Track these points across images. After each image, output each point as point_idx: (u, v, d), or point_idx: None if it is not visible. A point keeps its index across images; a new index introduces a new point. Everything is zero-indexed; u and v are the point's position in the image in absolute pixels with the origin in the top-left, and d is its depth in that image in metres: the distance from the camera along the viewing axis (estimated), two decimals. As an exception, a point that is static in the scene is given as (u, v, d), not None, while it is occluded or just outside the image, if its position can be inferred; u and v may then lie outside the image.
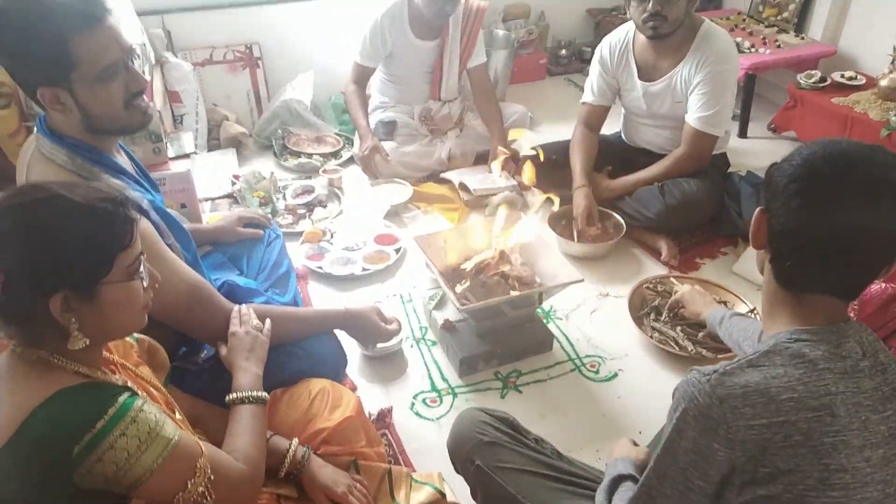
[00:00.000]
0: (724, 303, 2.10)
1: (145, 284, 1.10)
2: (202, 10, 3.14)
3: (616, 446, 1.33)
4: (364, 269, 2.37)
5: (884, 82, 2.76)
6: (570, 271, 1.94)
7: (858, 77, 2.97)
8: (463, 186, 2.76)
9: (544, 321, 2.12)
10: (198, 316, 1.45)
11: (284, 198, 2.76)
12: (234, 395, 1.34)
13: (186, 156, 2.49)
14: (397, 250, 2.46)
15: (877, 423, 0.88)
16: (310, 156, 3.06)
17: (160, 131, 2.38)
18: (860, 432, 0.87)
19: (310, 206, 2.72)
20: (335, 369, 1.70)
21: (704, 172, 2.44)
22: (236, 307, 1.51)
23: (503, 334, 2.00)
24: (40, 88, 1.30)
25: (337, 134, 3.23)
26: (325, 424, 1.47)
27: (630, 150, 2.68)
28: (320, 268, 2.36)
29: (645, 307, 2.16)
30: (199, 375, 1.58)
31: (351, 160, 3.07)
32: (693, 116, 2.34)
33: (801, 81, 2.98)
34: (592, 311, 2.22)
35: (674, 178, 2.40)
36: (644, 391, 1.92)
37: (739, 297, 2.17)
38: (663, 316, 2.10)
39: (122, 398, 1.01)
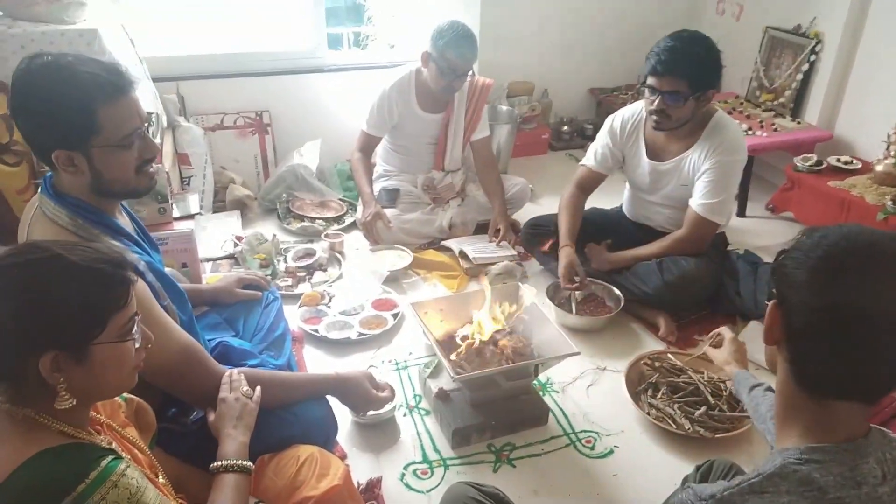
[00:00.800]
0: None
1: (138, 345, 1.11)
2: (216, 78, 3.26)
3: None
4: (360, 335, 2.36)
5: (879, 167, 2.81)
6: (567, 343, 1.93)
7: (854, 162, 3.03)
8: (463, 255, 2.79)
9: (540, 393, 2.09)
10: (188, 379, 1.44)
11: (285, 260, 2.78)
12: (219, 463, 1.32)
13: (191, 216, 2.52)
14: (395, 315, 2.46)
15: None
16: (313, 220, 3.10)
17: (167, 192, 2.43)
18: None
19: (310, 270, 2.74)
20: (325, 436, 1.67)
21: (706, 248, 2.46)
22: (227, 372, 1.50)
23: (498, 405, 1.97)
24: (56, 151, 1.34)
25: (341, 199, 3.28)
26: (312, 493, 1.44)
27: (631, 225, 2.71)
28: (316, 331, 2.35)
29: (642, 383, 2.14)
30: (186, 437, 1.56)
31: (353, 225, 3.11)
32: (697, 202, 2.38)
33: (798, 164, 3.04)
34: (589, 385, 2.20)
35: (672, 257, 2.42)
36: (640, 469, 1.87)
37: (738, 376, 2.14)
38: (660, 393, 2.07)
39: (106, 461, 0.99)
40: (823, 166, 3.01)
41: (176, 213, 2.50)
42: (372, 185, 2.99)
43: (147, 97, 2.72)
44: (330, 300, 2.54)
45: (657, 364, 2.17)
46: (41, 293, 0.98)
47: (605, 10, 3.95)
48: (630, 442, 1.97)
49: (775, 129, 3.28)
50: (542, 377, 2.19)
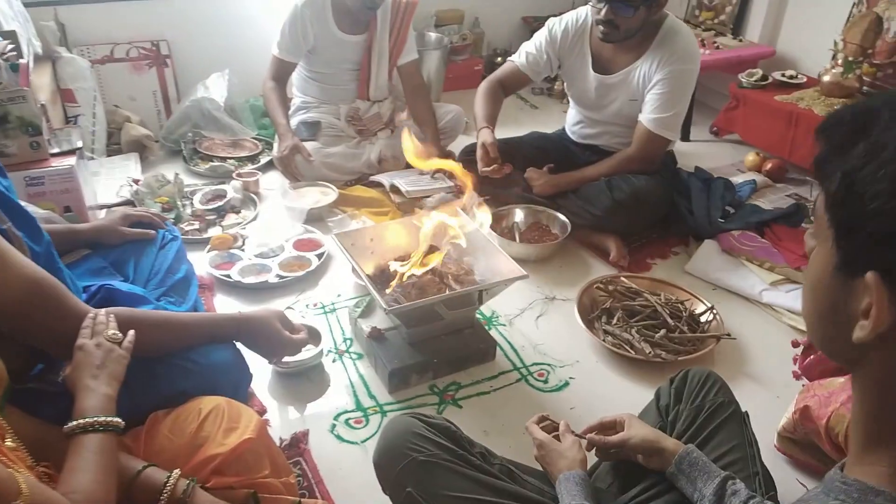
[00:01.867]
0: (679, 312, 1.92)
1: None
2: (102, 2, 2.83)
3: (553, 453, 1.09)
4: (280, 277, 2.07)
5: (826, 78, 2.69)
6: (513, 267, 1.71)
7: (799, 76, 2.90)
8: (395, 189, 2.51)
9: (486, 328, 1.87)
10: (38, 321, 1.14)
11: (192, 204, 2.45)
12: (75, 422, 1.03)
13: (73, 151, 2.15)
14: (319, 256, 2.18)
15: None
16: (223, 160, 2.76)
17: (39, 123, 2.05)
18: None
19: (220, 212, 2.42)
20: (234, 385, 1.41)
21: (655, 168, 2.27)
22: (91, 312, 1.21)
23: (439, 343, 1.75)
24: None
25: (255, 138, 2.94)
26: (218, 450, 1.19)
27: (576, 147, 2.50)
28: (228, 276, 2.06)
29: (595, 310, 1.95)
30: (57, 398, 1.25)
31: (270, 164, 2.78)
32: (648, 117, 2.18)
33: (742, 80, 2.89)
34: (538, 316, 1.99)
35: (622, 175, 2.22)
36: (599, 399, 1.69)
37: (696, 297, 1.99)
38: (615, 318, 1.89)
39: None
40: (769, 81, 2.87)
41: (55, 150, 2.14)
42: (288, 117, 2.67)
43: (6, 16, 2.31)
44: (244, 243, 2.23)
45: (610, 288, 1.99)
46: None
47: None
48: (586, 372, 1.78)
49: (717, 48, 3.12)
50: (486, 311, 1.97)
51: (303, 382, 1.72)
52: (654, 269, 2.21)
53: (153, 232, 1.79)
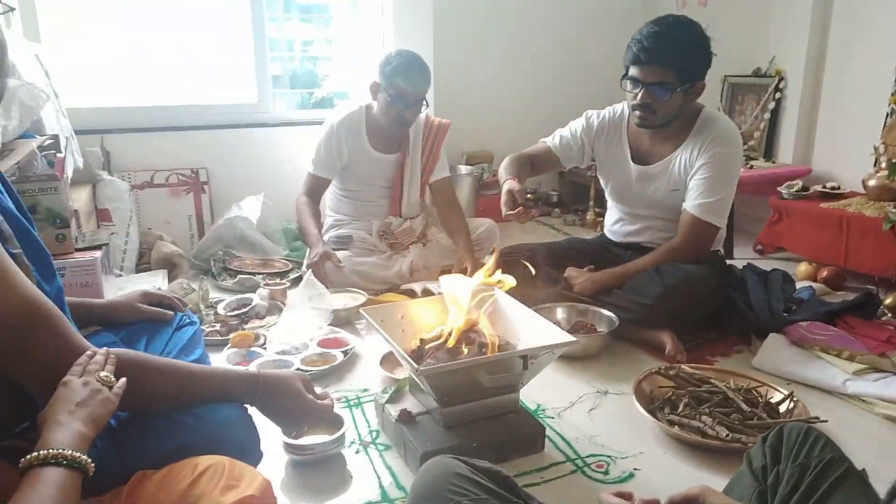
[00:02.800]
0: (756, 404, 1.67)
1: None
2: (145, 132, 2.97)
3: None
4: (302, 371, 1.89)
5: (871, 182, 2.61)
6: (561, 333, 1.52)
7: (840, 188, 2.83)
8: (427, 292, 2.39)
9: (532, 415, 1.63)
10: (34, 351, 1.00)
11: (216, 311, 2.34)
12: (35, 453, 0.86)
13: (98, 247, 2.10)
14: (345, 353, 2.00)
15: None
16: (252, 274, 2.69)
17: (67, 216, 2.03)
18: None
19: (244, 318, 2.30)
20: (240, 445, 1.19)
21: (702, 261, 2.12)
22: (91, 350, 1.06)
23: (479, 427, 1.51)
24: None
25: (286, 258, 2.90)
26: (213, 510, 0.97)
27: (615, 247, 2.39)
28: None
29: (656, 400, 1.70)
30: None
31: (299, 280, 2.70)
32: (693, 203, 2.09)
33: (783, 192, 2.83)
34: (591, 409, 1.74)
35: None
36: (672, 488, 1.38)
37: (772, 386, 1.74)
38: (681, 406, 1.64)
39: None
40: (810, 192, 2.80)
41: (80, 246, 2.10)
42: (320, 227, 2.64)
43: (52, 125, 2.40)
44: (265, 341, 2.08)
45: (671, 373, 1.76)
46: None
47: (562, 79, 3.90)
48: (653, 462, 1.51)
49: (751, 168, 3.10)
50: (531, 403, 1.74)
51: (321, 474, 1.47)
52: (717, 366, 1.97)
53: (171, 313, 1.66)
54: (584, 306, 2.17)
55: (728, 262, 2.41)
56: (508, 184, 2.16)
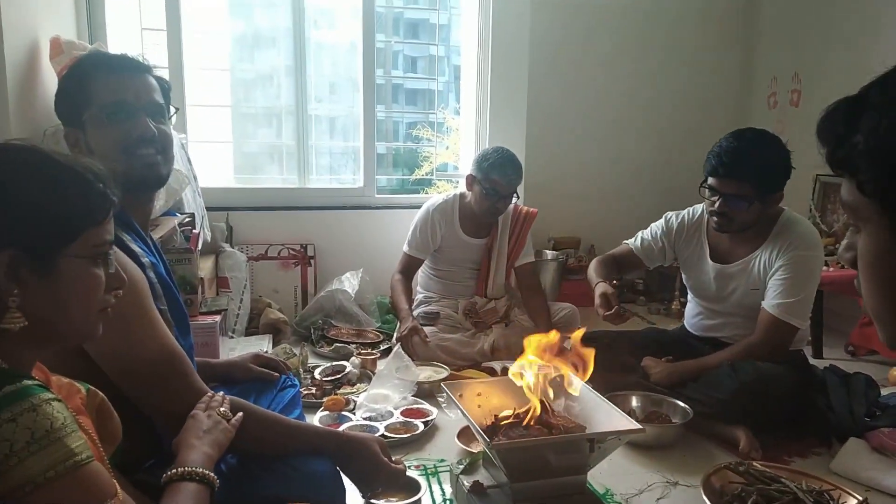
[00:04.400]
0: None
1: (111, 270, 0.95)
2: (265, 210, 3.33)
3: None
4: (385, 437, 2.05)
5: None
6: (629, 421, 1.61)
7: None
8: (506, 371, 2.50)
9: (598, 498, 1.70)
10: (163, 389, 1.23)
11: (313, 377, 2.56)
12: (175, 470, 1.06)
13: (219, 312, 2.39)
14: (426, 423, 2.15)
15: None
16: (347, 343, 2.91)
17: (197, 284, 2.34)
18: None
19: (337, 384, 2.50)
20: (330, 498, 1.36)
21: (782, 360, 2.15)
22: (210, 392, 1.29)
23: (546, 503, 1.60)
24: (66, 128, 1.33)
25: (378, 330, 3.12)
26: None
27: (695, 340, 2.44)
28: (337, 433, 2.06)
29: (725, 496, 1.73)
30: (158, 494, 1.29)
31: (388, 351, 2.90)
32: (772, 303, 2.14)
33: (873, 293, 2.78)
34: (658, 499, 1.79)
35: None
36: (735, 585, 1.42)
37: (847, 491, 1.72)
38: (749, 502, 1.66)
39: (28, 382, 0.80)
40: (904, 295, 2.74)
41: (203, 311, 2.39)
42: (411, 303, 2.85)
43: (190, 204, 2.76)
44: (355, 407, 2.27)
45: (742, 469, 1.78)
46: (12, 179, 0.86)
47: (646, 172, 4.03)
48: (717, 557, 1.54)
49: (842, 267, 3.07)
50: (599, 488, 1.81)
51: (396, 535, 1.61)
52: (793, 467, 1.97)
53: (277, 374, 1.89)
54: (660, 396, 2.22)
55: (812, 361, 2.40)
56: (601, 287, 2.30)
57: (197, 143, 3.29)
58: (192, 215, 2.59)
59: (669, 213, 2.46)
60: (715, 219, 2.19)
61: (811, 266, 2.14)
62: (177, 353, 1.26)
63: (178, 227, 2.36)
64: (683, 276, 2.48)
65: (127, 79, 1.32)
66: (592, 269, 2.44)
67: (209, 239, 2.97)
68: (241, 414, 1.26)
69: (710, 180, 2.16)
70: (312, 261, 3.37)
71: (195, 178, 2.89)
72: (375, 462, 1.41)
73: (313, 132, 3.61)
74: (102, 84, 1.29)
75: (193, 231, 2.47)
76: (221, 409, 1.24)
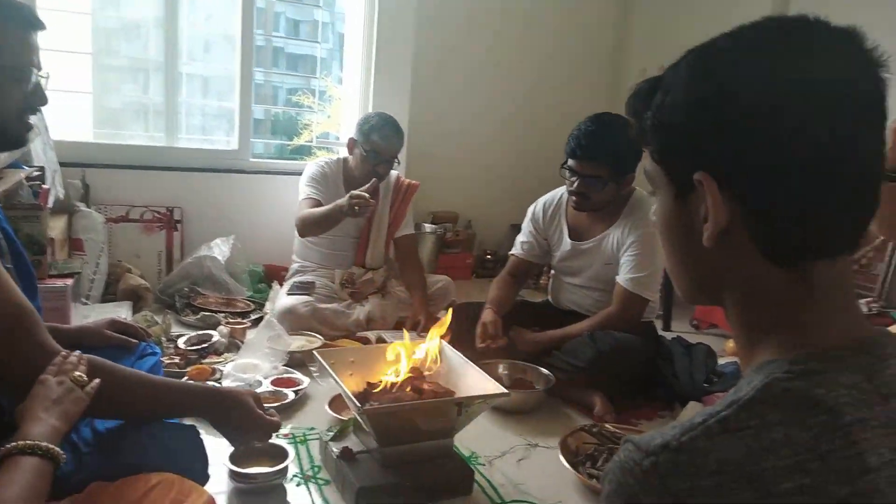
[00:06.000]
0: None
1: None
2: (127, 168, 3.11)
3: None
4: (254, 406, 2.00)
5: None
6: (496, 385, 1.67)
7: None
8: (381, 340, 2.53)
9: (464, 461, 1.76)
10: (10, 349, 1.14)
11: (176, 345, 2.44)
12: (14, 444, 0.99)
13: (70, 276, 2.22)
14: (297, 392, 2.12)
15: None
16: (215, 312, 2.80)
17: (45, 243, 2.15)
18: None
19: (203, 353, 2.40)
20: (190, 467, 1.31)
21: (635, 330, 2.32)
22: (65, 352, 1.19)
23: (414, 468, 1.64)
24: None
25: (249, 299, 3.02)
26: (163, 519, 1.09)
27: (558, 312, 2.57)
28: (201, 402, 1.98)
29: (580, 455, 1.85)
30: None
31: (259, 321, 2.81)
32: (625, 277, 2.30)
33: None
34: (520, 460, 1.89)
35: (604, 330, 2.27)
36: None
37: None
38: (600, 461, 1.79)
39: None
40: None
41: (53, 273, 2.21)
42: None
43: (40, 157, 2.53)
44: (221, 376, 2.19)
45: (595, 430, 1.91)
46: None
47: (529, 147, 4.15)
48: (570, 511, 1.65)
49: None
50: (465, 450, 1.87)
51: (262, 502, 1.58)
52: (640, 429, 2.14)
53: (135, 341, 1.78)
54: (526, 364, 2.33)
55: (661, 333, 2.61)
56: (485, 315, 2.40)
57: (50, 91, 2.99)
58: (42, 169, 2.37)
59: (531, 206, 2.59)
60: (574, 198, 2.31)
61: (657, 242, 2.31)
62: (25, 307, 1.16)
63: (24, 182, 2.15)
64: (553, 252, 2.60)
65: (33, 38, 1.27)
66: (491, 292, 2.52)
67: (62, 196, 2.73)
68: (97, 380, 1.18)
69: (570, 162, 2.28)
70: (179, 225, 3.20)
71: (46, 128, 2.64)
72: (250, 415, 1.37)
73: (184, 90, 3.41)
74: (16, 40, 1.23)
75: (43, 186, 2.26)
76: (76, 373, 1.15)
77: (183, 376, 2.17)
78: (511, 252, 2.64)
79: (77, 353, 1.20)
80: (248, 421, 1.37)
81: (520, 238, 2.61)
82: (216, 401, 1.35)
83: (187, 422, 1.56)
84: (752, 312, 0.62)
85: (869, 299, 2.68)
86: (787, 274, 0.59)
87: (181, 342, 2.44)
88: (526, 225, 2.59)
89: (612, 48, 4.34)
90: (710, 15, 3.65)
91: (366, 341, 2.60)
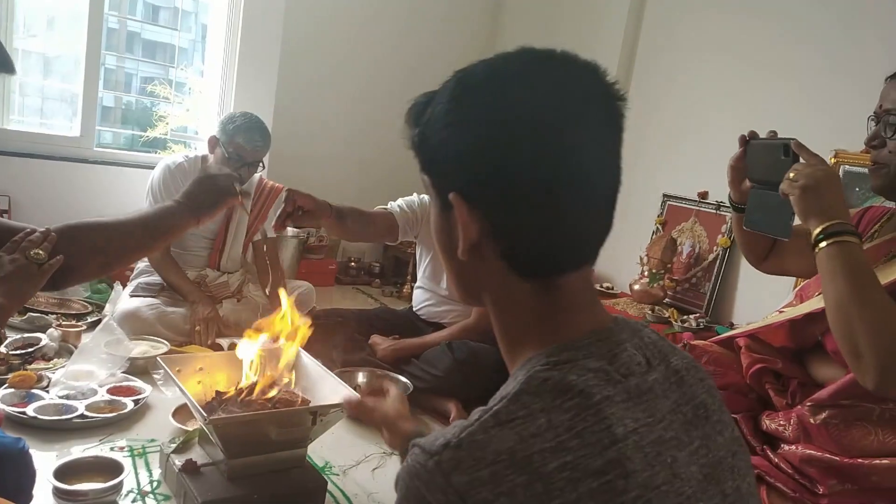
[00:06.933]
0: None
1: None
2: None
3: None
4: (85, 418, 1.83)
5: (636, 286, 3.09)
6: (353, 393, 1.65)
7: (615, 288, 3.30)
8: (234, 347, 2.40)
9: (317, 471, 1.72)
10: None
11: (-4, 350, 2.18)
12: None
13: None
14: (136, 402, 1.97)
15: (685, 464, 0.61)
16: (45, 313, 2.54)
17: None
18: (669, 486, 0.58)
19: (28, 358, 2.17)
20: (15, 485, 1.19)
21: (490, 340, 2.39)
22: (30, 228, 1.23)
23: (263, 480, 1.57)
24: None
25: (86, 300, 2.77)
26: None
27: (421, 322, 2.59)
28: (23, 413, 1.79)
29: (434, 462, 1.87)
30: None
31: (97, 324, 2.59)
32: None
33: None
34: (375, 469, 1.88)
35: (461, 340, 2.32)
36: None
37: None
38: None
39: None
40: (591, 289, 3.24)
41: None
42: (188, 280, 2.60)
43: None
44: (49, 384, 1.99)
45: (450, 438, 1.94)
46: None
47: (399, 146, 4.14)
48: (422, 518, 1.66)
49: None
50: (319, 461, 1.83)
51: (90, 522, 1.45)
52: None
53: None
54: (384, 372, 2.33)
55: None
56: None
57: None
58: None
59: (422, 194, 2.43)
60: None
61: None
62: None
63: None
64: (419, 259, 2.61)
65: None
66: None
67: None
68: (60, 258, 1.16)
69: None
70: (5, 214, 2.87)
71: None
72: (213, 174, 1.48)
73: (19, 67, 3.07)
74: None
75: None
76: (34, 250, 1.13)
77: (2, 384, 1.95)
78: (381, 206, 2.43)
79: (46, 229, 1.20)
80: (217, 177, 1.47)
81: (398, 202, 2.42)
82: (186, 201, 1.42)
83: (8, 433, 1.42)
84: (508, 316, 0.69)
85: (697, 315, 2.95)
86: (534, 285, 0.66)
87: (2, 346, 2.19)
88: (413, 199, 2.43)
89: (484, 45, 4.41)
90: (576, 20, 3.84)
91: (218, 348, 2.47)
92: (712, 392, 0.69)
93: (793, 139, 1.29)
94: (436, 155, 0.66)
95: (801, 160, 1.26)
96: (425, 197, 2.53)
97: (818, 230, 1.18)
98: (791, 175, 1.23)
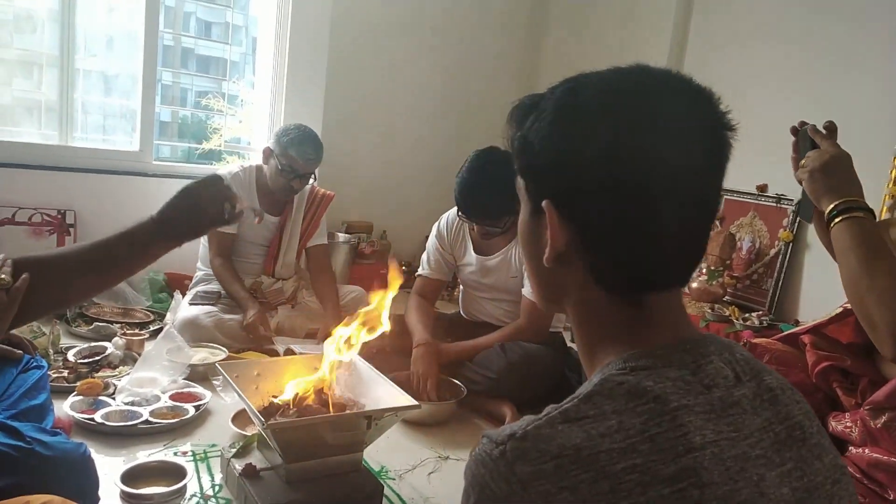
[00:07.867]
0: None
1: None
2: (13, 168, 2.88)
3: None
4: (150, 423, 1.88)
5: (694, 285, 2.99)
6: (406, 398, 1.65)
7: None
8: (289, 352, 2.45)
9: (373, 475, 1.72)
10: None
11: (65, 358, 2.27)
12: None
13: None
14: (197, 408, 2.02)
15: (776, 485, 0.58)
16: (111, 322, 2.63)
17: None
18: (752, 502, 0.56)
19: (95, 366, 2.25)
20: (78, 489, 1.22)
21: (543, 341, 2.36)
22: None
23: (321, 484, 1.58)
24: None
25: (148, 309, 2.86)
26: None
27: (469, 324, 2.58)
28: (91, 420, 1.85)
29: (490, 466, 1.85)
30: None
31: (159, 332, 2.67)
32: (528, 290, 2.33)
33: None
34: (430, 473, 1.87)
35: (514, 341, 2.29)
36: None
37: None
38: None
39: None
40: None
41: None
42: (245, 287, 2.68)
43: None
44: (115, 391, 2.05)
45: (506, 441, 1.92)
46: None
47: (445, 158, 4.15)
48: (479, 523, 1.64)
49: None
50: (374, 465, 1.84)
51: (156, 526, 1.49)
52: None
53: (19, 352, 1.65)
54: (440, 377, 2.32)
55: (570, 344, 2.67)
56: (424, 354, 2.26)
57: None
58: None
59: (435, 224, 2.58)
60: (481, 232, 2.36)
61: None
62: None
63: None
64: (458, 268, 2.61)
65: None
66: (411, 319, 2.43)
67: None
68: (24, 277, 1.10)
69: (463, 215, 2.31)
70: (72, 229, 2.99)
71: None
72: (208, 181, 1.34)
73: (80, 86, 3.20)
74: None
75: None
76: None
77: (72, 391, 2.02)
78: (418, 273, 2.61)
79: (1, 256, 1.13)
80: (212, 183, 1.34)
81: (426, 256, 2.59)
82: (161, 222, 1.34)
83: (76, 439, 1.46)
84: (589, 325, 0.68)
85: (759, 313, 2.85)
86: (618, 300, 0.65)
87: (71, 354, 2.27)
88: (431, 243, 2.57)
89: (526, 61, 4.41)
90: (617, 37, 3.79)
91: (273, 354, 2.51)
92: (810, 416, 0.66)
93: (810, 125, 1.33)
94: (535, 160, 0.66)
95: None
96: (438, 227, 2.54)
97: (829, 208, 1.22)
98: (802, 161, 1.30)
